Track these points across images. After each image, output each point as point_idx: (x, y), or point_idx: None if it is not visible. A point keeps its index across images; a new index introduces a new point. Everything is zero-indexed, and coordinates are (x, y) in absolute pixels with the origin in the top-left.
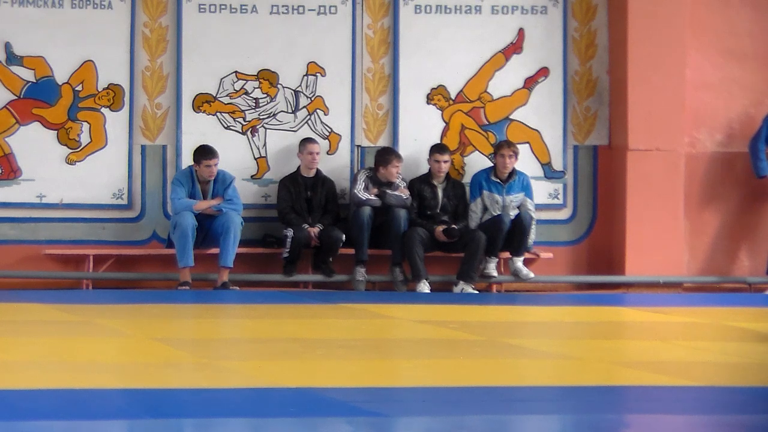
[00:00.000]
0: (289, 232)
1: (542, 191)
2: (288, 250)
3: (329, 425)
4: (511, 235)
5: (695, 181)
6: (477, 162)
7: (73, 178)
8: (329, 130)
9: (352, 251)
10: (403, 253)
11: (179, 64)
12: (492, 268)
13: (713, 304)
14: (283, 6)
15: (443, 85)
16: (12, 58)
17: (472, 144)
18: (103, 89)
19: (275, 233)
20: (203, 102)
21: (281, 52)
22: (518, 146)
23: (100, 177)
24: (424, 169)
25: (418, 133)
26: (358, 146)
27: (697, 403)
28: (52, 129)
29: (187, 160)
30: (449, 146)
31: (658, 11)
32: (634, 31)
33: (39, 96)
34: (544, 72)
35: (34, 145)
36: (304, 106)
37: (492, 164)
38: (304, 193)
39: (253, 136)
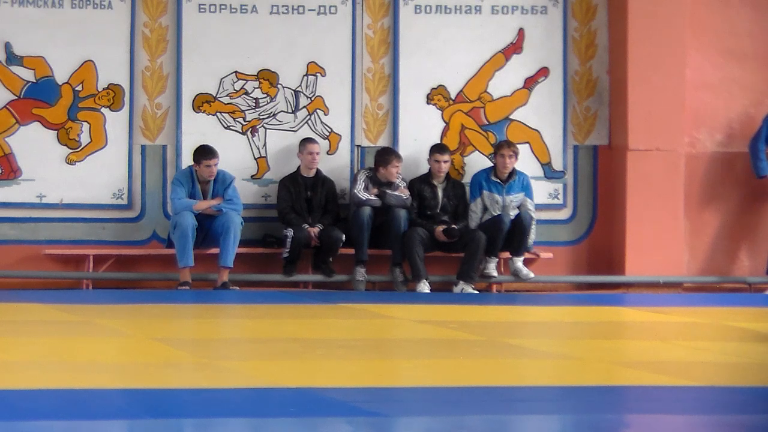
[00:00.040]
0: (289, 232)
1: (542, 191)
2: (288, 250)
3: (329, 425)
4: (511, 235)
5: (695, 181)
6: (477, 162)
7: (73, 178)
8: (329, 130)
9: (352, 251)
10: (403, 253)
11: (179, 64)
12: (492, 268)
13: (713, 304)
14: (283, 6)
15: (443, 85)
16: (12, 58)
17: (472, 144)
18: (103, 89)
19: (275, 233)
20: (203, 102)
21: (281, 52)
22: (518, 146)
23: (100, 177)
24: (424, 169)
25: (418, 133)
26: (358, 146)
27: (697, 403)
28: (52, 129)
29: (187, 160)
30: (449, 146)
31: (658, 11)
32: (634, 31)
33: (39, 96)
34: (544, 72)
35: (34, 145)
36: (304, 106)
37: (492, 164)
38: (304, 193)
39: (253, 136)
